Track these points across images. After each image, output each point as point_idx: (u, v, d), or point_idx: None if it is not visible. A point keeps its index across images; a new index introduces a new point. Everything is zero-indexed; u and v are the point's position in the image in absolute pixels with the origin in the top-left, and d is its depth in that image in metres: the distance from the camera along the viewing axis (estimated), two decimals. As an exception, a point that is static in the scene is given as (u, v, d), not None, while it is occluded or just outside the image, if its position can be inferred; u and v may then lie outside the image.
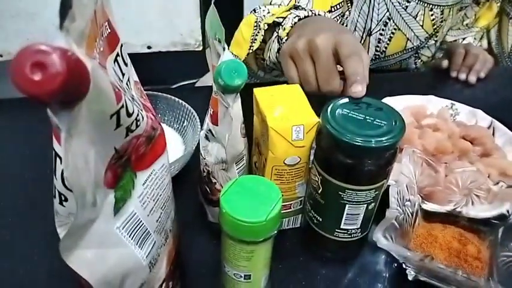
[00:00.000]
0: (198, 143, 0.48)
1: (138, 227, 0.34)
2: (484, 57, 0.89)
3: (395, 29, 0.88)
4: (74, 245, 0.29)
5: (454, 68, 0.88)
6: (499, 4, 0.97)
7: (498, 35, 1.03)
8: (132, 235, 0.33)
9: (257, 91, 0.47)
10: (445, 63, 0.89)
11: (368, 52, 0.92)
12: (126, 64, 0.33)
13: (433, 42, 0.92)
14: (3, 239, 0.51)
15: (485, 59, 0.89)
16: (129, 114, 0.29)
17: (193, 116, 0.60)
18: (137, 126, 0.30)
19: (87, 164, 0.25)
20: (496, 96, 0.83)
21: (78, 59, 0.20)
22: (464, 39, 0.98)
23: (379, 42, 0.90)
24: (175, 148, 0.60)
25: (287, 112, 0.44)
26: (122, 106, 0.27)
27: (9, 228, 0.52)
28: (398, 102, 0.68)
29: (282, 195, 0.37)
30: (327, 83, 0.51)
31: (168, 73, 0.86)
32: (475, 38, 0.98)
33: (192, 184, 0.55)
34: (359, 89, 0.45)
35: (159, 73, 0.84)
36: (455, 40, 0.98)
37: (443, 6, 0.86)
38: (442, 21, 0.89)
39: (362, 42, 0.91)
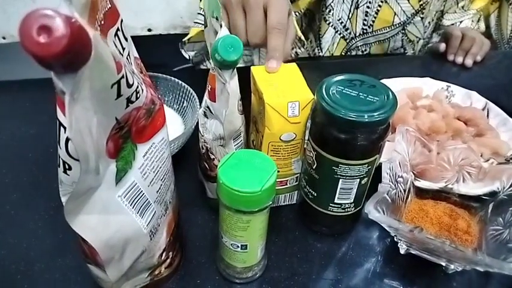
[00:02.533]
0: (197, 123, 0.49)
1: (138, 197, 0.35)
2: (480, 40, 0.90)
3: (382, 1, 0.88)
4: (78, 210, 0.31)
5: (451, 52, 0.89)
6: None
7: (498, 21, 1.03)
8: (133, 204, 0.35)
9: (255, 69, 0.48)
10: (442, 46, 0.90)
11: (356, 26, 0.93)
12: (126, 39, 0.34)
13: (419, 18, 0.92)
14: (7, 214, 0.52)
15: (482, 43, 0.90)
16: (129, 85, 0.30)
17: (193, 96, 0.61)
18: (137, 98, 0.32)
19: (90, 131, 0.27)
20: (491, 79, 0.84)
21: (81, 25, 0.21)
22: (461, 22, 0.98)
23: (366, 15, 0.91)
24: (175, 127, 0.61)
25: (283, 89, 0.45)
26: (122, 76, 0.28)
27: (13, 204, 0.54)
28: (395, 84, 0.69)
29: (279, 171, 0.39)
30: (255, 36, 0.54)
31: (168, 56, 0.87)
32: (472, 21, 0.98)
33: (192, 163, 0.56)
34: (274, 65, 0.49)
35: (160, 56, 0.85)
36: (453, 24, 0.99)
37: None
38: None
39: (350, 15, 0.92)
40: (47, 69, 0.21)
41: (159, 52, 0.86)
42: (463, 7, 0.98)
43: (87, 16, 0.26)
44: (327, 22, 0.94)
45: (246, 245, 0.42)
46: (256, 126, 0.50)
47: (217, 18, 0.39)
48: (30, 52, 0.19)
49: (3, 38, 0.81)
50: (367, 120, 0.40)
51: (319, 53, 0.99)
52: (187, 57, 0.80)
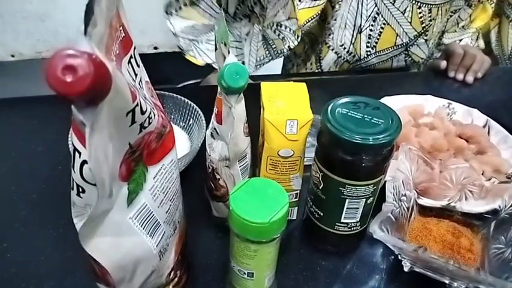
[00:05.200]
0: (204, 141, 0.50)
1: (149, 218, 0.36)
2: (481, 57, 0.91)
3: (384, 23, 0.90)
4: (92, 233, 0.31)
5: (452, 68, 0.91)
6: (492, 5, 0.99)
7: (498, 37, 1.05)
8: (143, 225, 0.35)
9: (264, 85, 0.50)
10: (443, 64, 0.91)
11: (360, 50, 0.94)
12: (138, 65, 0.35)
13: (423, 40, 0.94)
14: (17, 232, 0.53)
15: (482, 60, 0.91)
16: (142, 112, 0.31)
17: (199, 114, 0.63)
18: (149, 123, 0.33)
19: (106, 157, 0.28)
20: (492, 96, 0.85)
21: (102, 61, 0.22)
22: (461, 40, 1.00)
23: (369, 38, 0.92)
24: (182, 145, 0.62)
25: (285, 107, 0.47)
26: (137, 104, 0.30)
27: (22, 221, 0.54)
28: (397, 102, 0.71)
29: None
30: None
31: (174, 73, 0.88)
32: (471, 39, 1.00)
33: (198, 181, 0.57)
34: None
35: (165, 73, 0.86)
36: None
37: (430, 5, 0.89)
38: (430, 20, 0.91)
39: (353, 40, 0.93)
40: (69, 104, 0.22)
41: (164, 69, 0.88)
42: (463, 27, 1.00)
43: (104, 48, 0.27)
44: (327, 45, 0.95)
45: (253, 273, 0.42)
46: (263, 138, 0.51)
47: (225, 44, 0.40)
48: (56, 91, 0.20)
49: (12, 56, 0.83)
50: (372, 142, 0.41)
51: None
52: (172, 31, 0.78)
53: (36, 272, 0.48)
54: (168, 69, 0.90)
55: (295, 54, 1.08)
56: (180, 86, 0.89)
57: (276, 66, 1.15)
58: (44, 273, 0.48)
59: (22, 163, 0.64)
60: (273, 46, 0.80)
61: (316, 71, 1.01)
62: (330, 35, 0.93)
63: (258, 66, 0.84)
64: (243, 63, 0.84)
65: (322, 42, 0.96)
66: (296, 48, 1.06)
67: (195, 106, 0.64)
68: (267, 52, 0.82)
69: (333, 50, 0.95)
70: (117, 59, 0.31)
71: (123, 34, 0.33)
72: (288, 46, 0.79)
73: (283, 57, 0.92)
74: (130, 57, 0.34)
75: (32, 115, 0.74)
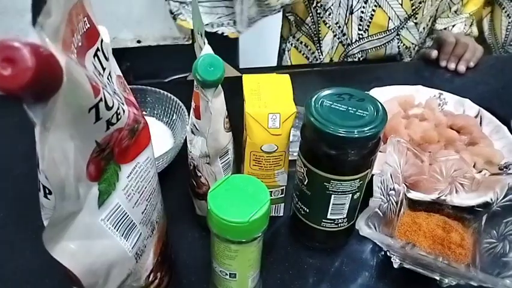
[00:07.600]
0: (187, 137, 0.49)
1: (123, 219, 0.34)
2: (473, 46, 0.89)
3: (375, 5, 0.89)
4: (58, 237, 0.30)
5: (444, 58, 0.89)
6: None
7: (491, 25, 1.03)
8: (117, 227, 0.34)
9: (245, 77, 0.48)
10: (434, 53, 0.89)
11: (352, 31, 0.93)
12: (107, 59, 0.33)
13: (413, 23, 0.92)
14: (-5, 234, 0.51)
15: (475, 48, 0.89)
16: (108, 108, 0.29)
17: (182, 109, 0.61)
18: (118, 119, 0.31)
19: (66, 158, 0.26)
20: (485, 85, 0.84)
21: (51, 54, 0.20)
22: (453, 26, 0.98)
23: (361, 20, 0.91)
24: (165, 141, 0.60)
25: (267, 100, 0.45)
26: (101, 100, 0.28)
27: (1, 223, 0.53)
28: (387, 93, 0.69)
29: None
30: None
31: (160, 67, 0.86)
32: (465, 24, 0.98)
33: (182, 178, 0.55)
34: None
35: (151, 67, 0.84)
36: (445, 28, 0.99)
37: None
38: (420, 2, 0.89)
39: (346, 20, 0.92)
40: (16, 101, 0.20)
41: (150, 63, 0.86)
42: (455, 11, 0.98)
43: (62, 40, 0.25)
44: (327, 25, 0.93)
45: (235, 274, 0.40)
46: (246, 133, 0.49)
47: (201, 35, 0.38)
48: (-6, 85, 0.18)
49: (-9, 52, 0.80)
50: (357, 136, 0.39)
51: (319, 56, 0.99)
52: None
53: (14, 274, 0.47)
54: (154, 63, 0.88)
55: (287, 40, 1.06)
56: (167, 80, 0.87)
57: (271, 59, 1.14)
58: (22, 276, 0.47)
59: (0, 163, 0.62)
60: (266, 2, 0.80)
61: (317, 52, 0.99)
62: (330, 14, 0.92)
63: (251, 24, 0.84)
64: (235, 22, 0.84)
65: (320, 22, 0.94)
66: (283, 31, 1.07)
67: (178, 101, 0.62)
68: (260, 9, 0.82)
69: (331, 29, 0.94)
70: (80, 52, 0.29)
71: (88, 25, 0.31)
72: (281, 2, 0.78)
73: (277, 13, 0.90)
74: (97, 50, 0.32)
75: (11, 113, 0.72)
